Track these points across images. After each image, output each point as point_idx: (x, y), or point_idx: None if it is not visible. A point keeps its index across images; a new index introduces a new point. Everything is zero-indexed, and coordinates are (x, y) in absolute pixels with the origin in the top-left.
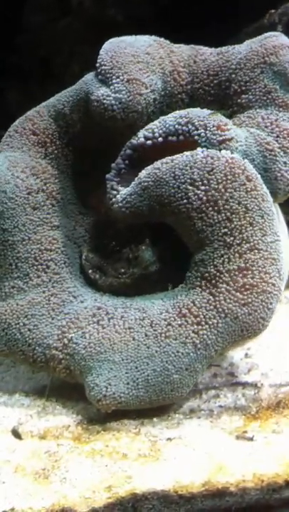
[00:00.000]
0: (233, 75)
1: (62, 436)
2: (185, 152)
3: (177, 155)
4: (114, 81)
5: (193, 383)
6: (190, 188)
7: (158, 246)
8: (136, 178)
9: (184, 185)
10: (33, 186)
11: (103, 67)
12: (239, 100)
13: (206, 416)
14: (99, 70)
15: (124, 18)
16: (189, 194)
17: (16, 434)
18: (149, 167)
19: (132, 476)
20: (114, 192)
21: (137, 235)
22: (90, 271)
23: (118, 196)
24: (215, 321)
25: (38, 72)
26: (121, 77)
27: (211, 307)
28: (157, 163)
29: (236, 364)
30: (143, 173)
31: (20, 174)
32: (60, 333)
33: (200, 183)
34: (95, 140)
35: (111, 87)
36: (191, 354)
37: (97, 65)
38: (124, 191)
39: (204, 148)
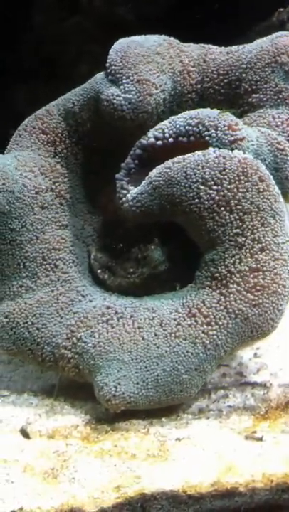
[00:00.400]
0: (244, 74)
1: (71, 436)
2: (197, 152)
3: (189, 154)
4: (124, 81)
5: (202, 383)
6: (202, 187)
7: (167, 245)
8: (146, 177)
9: (195, 185)
10: (42, 185)
11: (113, 68)
12: (250, 99)
13: (215, 416)
14: (109, 70)
15: (134, 17)
16: (201, 194)
17: (25, 433)
18: (160, 166)
19: (141, 476)
20: (124, 191)
21: (146, 234)
22: (99, 271)
23: (128, 195)
24: (225, 321)
25: (46, 71)
26: (131, 78)
27: (222, 307)
28: (168, 163)
29: (245, 364)
30: (154, 173)
31: (28, 173)
32: (69, 332)
33: (212, 182)
34: (104, 139)
35: (121, 87)
36: (201, 354)
37: (107, 65)
38: (134, 190)
39: (216, 148)
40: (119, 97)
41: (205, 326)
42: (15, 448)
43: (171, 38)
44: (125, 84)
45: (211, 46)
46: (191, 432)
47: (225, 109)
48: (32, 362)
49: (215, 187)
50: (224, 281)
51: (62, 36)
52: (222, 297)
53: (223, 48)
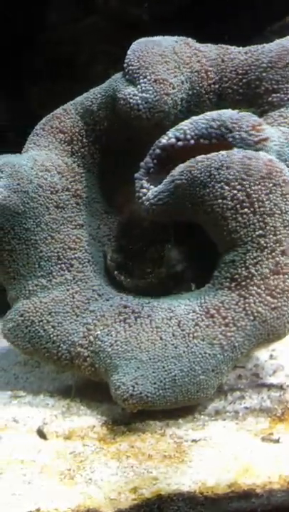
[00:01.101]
0: (264, 74)
1: (88, 437)
2: (221, 151)
3: (212, 154)
4: (141, 81)
5: (218, 384)
6: (226, 188)
7: (183, 245)
8: (168, 176)
9: (219, 185)
10: (58, 185)
11: (130, 67)
12: (270, 99)
13: (232, 417)
14: (126, 70)
15: (149, 17)
16: (225, 194)
17: (42, 434)
18: (182, 165)
19: (158, 477)
20: (144, 190)
21: (162, 234)
22: (116, 272)
23: (149, 193)
24: (243, 323)
25: (61, 71)
26: (148, 77)
27: (240, 309)
28: (192, 161)
29: (261, 365)
30: (176, 171)
31: (44, 173)
32: (85, 331)
33: (236, 183)
34: (121, 138)
35: (138, 86)
36: (218, 355)
37: (125, 65)
38: (155, 189)
39: (241, 149)
40: (136, 97)
41: (223, 327)
42: (32, 449)
43: (189, 39)
44: (142, 84)
45: (228, 46)
46: (207, 433)
47: (244, 108)
48: (48, 361)
49: (239, 187)
50: (244, 283)
51: (77, 36)
52: (241, 299)
53: (241, 48)
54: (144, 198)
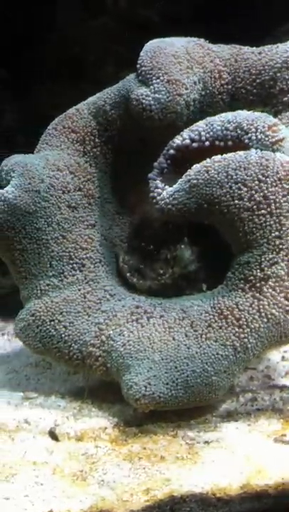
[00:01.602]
0: (279, 74)
1: (99, 438)
2: (238, 152)
3: (229, 154)
4: (154, 81)
5: (229, 386)
6: (244, 188)
7: (196, 245)
8: (184, 176)
9: (236, 186)
10: (70, 185)
11: (143, 68)
12: (285, 99)
13: (244, 419)
14: (139, 71)
15: (160, 18)
16: (242, 195)
17: (54, 435)
18: (198, 165)
19: (170, 478)
20: (159, 190)
21: (174, 235)
22: (128, 274)
23: (164, 193)
24: (257, 325)
25: (70, 72)
26: (161, 78)
27: (254, 311)
28: (208, 162)
29: (273, 367)
30: (192, 171)
31: (56, 173)
32: (97, 330)
33: (254, 184)
34: (133, 139)
35: (151, 87)
36: (231, 357)
37: (138, 65)
38: (170, 188)
39: (257, 150)
40: (149, 97)
41: (236, 329)
42: (44, 450)
43: (202, 39)
44: (155, 85)
45: (241, 46)
46: (219, 434)
47: (257, 109)
48: (59, 360)
49: (257, 187)
50: (258, 285)
51: (86, 37)
52: (255, 300)
53: (254, 48)
54: (158, 197)
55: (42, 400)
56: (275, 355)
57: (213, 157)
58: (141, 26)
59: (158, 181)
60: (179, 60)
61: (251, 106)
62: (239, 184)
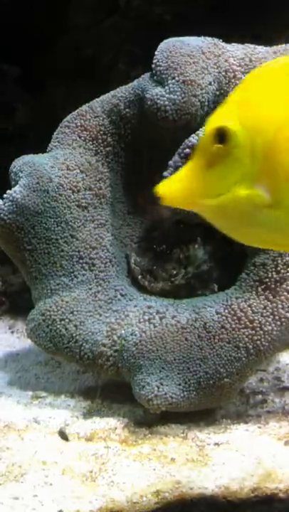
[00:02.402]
0: None
1: (109, 439)
2: None
3: None
4: (169, 82)
5: (240, 388)
6: None
7: (209, 244)
8: None
9: None
10: (80, 184)
11: (158, 68)
12: None
13: (254, 421)
14: (154, 71)
15: (173, 17)
16: None
17: (63, 435)
18: None
19: (181, 481)
20: None
21: (187, 234)
22: (140, 276)
23: None
24: (270, 327)
25: (84, 72)
26: (176, 78)
27: (268, 313)
28: None
29: (283, 369)
30: None
31: (66, 172)
32: (108, 330)
33: None
34: (147, 138)
35: (166, 87)
36: (243, 359)
37: (153, 65)
38: None
39: None
40: (164, 98)
41: (250, 331)
42: (54, 450)
43: (216, 39)
44: (170, 85)
45: (255, 46)
46: (230, 437)
47: None
48: (70, 360)
49: None
50: (273, 287)
51: (99, 36)
52: (269, 303)
53: (268, 47)
54: None
55: (51, 400)
56: (285, 357)
57: None
58: (154, 25)
59: None
60: (194, 60)
61: None
62: None
